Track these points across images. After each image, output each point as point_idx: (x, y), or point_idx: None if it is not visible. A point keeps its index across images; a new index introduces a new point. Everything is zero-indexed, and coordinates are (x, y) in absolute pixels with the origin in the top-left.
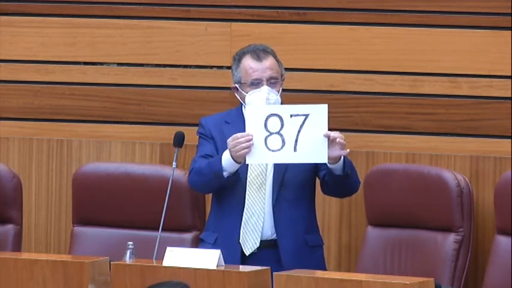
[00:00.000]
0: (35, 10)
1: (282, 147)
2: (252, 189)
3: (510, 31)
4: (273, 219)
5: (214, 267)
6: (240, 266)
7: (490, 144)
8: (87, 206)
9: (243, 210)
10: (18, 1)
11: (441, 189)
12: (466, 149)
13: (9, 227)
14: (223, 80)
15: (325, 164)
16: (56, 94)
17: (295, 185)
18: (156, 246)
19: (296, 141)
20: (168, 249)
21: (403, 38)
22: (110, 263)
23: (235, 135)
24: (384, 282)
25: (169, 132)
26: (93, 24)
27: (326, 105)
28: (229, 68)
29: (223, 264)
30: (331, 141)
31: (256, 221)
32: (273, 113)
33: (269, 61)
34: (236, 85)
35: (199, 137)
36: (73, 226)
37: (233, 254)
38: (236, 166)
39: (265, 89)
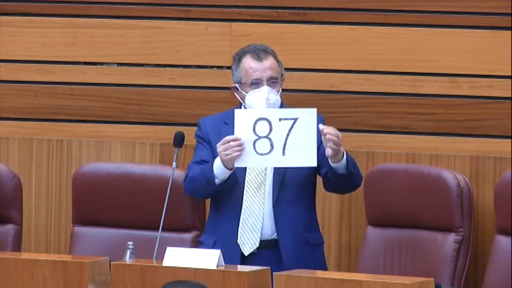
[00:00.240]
0: (35, 10)
1: (270, 151)
2: (251, 189)
3: (510, 31)
4: (273, 218)
5: (214, 267)
6: (240, 266)
7: (490, 144)
8: (87, 206)
9: (241, 210)
10: (18, 1)
11: (441, 189)
12: (466, 149)
13: (9, 227)
14: (223, 80)
15: (327, 161)
16: (56, 94)
17: (296, 185)
18: (156, 246)
19: (285, 145)
20: (168, 249)
21: (403, 38)
22: (110, 263)
23: (225, 138)
24: (383, 282)
25: (169, 132)
26: (93, 24)
27: (315, 110)
28: (229, 68)
29: (223, 264)
30: (324, 137)
31: (255, 221)
32: (261, 117)
33: (269, 61)
34: (236, 85)
35: (197, 140)
36: (73, 226)
37: (232, 255)
38: (227, 173)
39: (265, 89)
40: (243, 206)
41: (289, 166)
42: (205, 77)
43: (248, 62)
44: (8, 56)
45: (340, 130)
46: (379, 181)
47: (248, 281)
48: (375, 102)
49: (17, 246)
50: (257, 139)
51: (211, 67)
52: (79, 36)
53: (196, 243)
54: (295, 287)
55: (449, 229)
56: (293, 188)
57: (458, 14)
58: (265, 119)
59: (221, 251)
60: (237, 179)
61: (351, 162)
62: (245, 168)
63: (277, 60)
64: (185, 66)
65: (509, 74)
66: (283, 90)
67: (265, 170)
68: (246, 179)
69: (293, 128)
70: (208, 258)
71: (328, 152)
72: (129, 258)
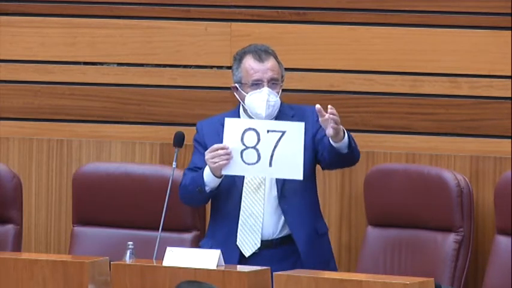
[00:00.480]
0: (35, 10)
1: (257, 162)
2: (249, 190)
3: (510, 31)
4: (275, 218)
5: (214, 267)
6: (240, 266)
7: (490, 144)
8: (87, 206)
9: (240, 212)
10: (18, 1)
11: (441, 189)
12: (466, 149)
13: (9, 227)
14: (223, 80)
15: (325, 144)
16: (56, 94)
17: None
18: (156, 246)
19: (272, 156)
20: (168, 249)
21: (403, 38)
22: (110, 263)
23: (213, 147)
24: (383, 282)
25: (169, 132)
26: (93, 24)
27: (303, 124)
28: (229, 68)
29: (223, 264)
30: (322, 118)
31: (255, 222)
32: (250, 127)
33: (270, 62)
34: (236, 85)
35: (194, 144)
36: (73, 226)
37: (232, 256)
38: (217, 181)
39: (265, 90)
40: (242, 206)
41: (275, 177)
42: (205, 77)
43: (249, 62)
44: (8, 56)
45: None
46: (379, 181)
47: (248, 281)
48: (375, 102)
49: (17, 246)
50: (244, 149)
51: (211, 67)
52: (79, 36)
53: (196, 243)
54: (295, 287)
55: (449, 229)
56: (296, 180)
57: (458, 14)
58: (253, 129)
59: (221, 251)
60: (235, 180)
61: (351, 138)
62: None
63: (278, 61)
64: (185, 66)
65: (509, 74)
66: (283, 90)
67: None
68: (245, 180)
69: (281, 141)
70: (208, 258)
71: (330, 132)
72: (129, 258)
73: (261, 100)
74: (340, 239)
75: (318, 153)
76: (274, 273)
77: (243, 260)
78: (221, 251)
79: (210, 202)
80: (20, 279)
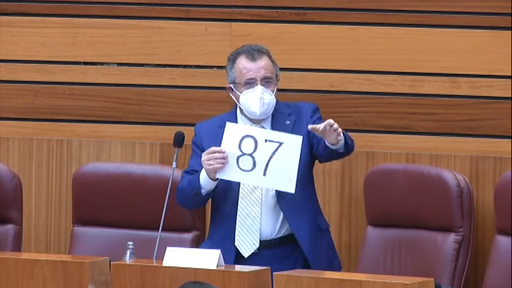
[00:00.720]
0: (35, 10)
1: (252, 169)
2: (246, 190)
3: (510, 31)
4: (273, 218)
5: (214, 267)
6: (240, 266)
7: (490, 144)
8: (87, 206)
9: (237, 212)
10: (18, 1)
11: (441, 189)
12: (466, 149)
13: (9, 227)
14: (223, 80)
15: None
16: (56, 94)
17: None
18: (156, 246)
19: (266, 166)
20: (168, 249)
21: (403, 38)
22: (110, 263)
23: (211, 149)
24: (383, 282)
25: (169, 132)
26: (93, 24)
27: (301, 137)
28: None
29: (223, 264)
30: (321, 132)
31: (252, 222)
32: (249, 134)
33: (263, 61)
34: (231, 85)
35: (192, 147)
36: (73, 226)
37: (230, 257)
38: (212, 184)
39: (259, 88)
40: (239, 207)
41: (268, 187)
42: (205, 77)
43: (242, 62)
44: (8, 56)
45: None
46: (379, 181)
47: (248, 281)
48: (375, 102)
49: (17, 246)
50: (241, 155)
51: (211, 67)
52: (79, 36)
53: (197, 243)
54: (295, 287)
55: (449, 229)
56: None
57: (458, 14)
58: (252, 137)
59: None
60: (231, 181)
61: (347, 137)
62: None
63: (272, 61)
64: (185, 66)
65: (509, 74)
66: (283, 90)
67: None
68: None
69: (277, 151)
70: (208, 258)
71: (333, 141)
72: (129, 258)
73: (254, 98)
74: (340, 239)
75: (313, 148)
76: (274, 273)
77: (242, 260)
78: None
79: (210, 204)
80: (20, 279)
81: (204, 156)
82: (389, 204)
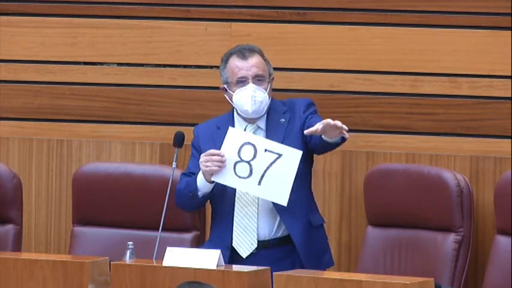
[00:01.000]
0: (35, 10)
1: (248, 177)
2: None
3: (510, 31)
4: (269, 217)
5: (214, 267)
6: (240, 266)
7: (490, 144)
8: (87, 206)
9: (234, 213)
10: (18, 1)
11: (441, 189)
12: (466, 149)
13: (9, 227)
14: None
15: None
16: (56, 94)
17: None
18: (156, 246)
19: (262, 175)
20: (168, 249)
21: (403, 38)
22: (110, 263)
23: (210, 151)
24: (383, 282)
25: (169, 132)
26: (93, 24)
27: (301, 152)
28: None
29: (223, 264)
30: (320, 130)
31: (249, 222)
32: (250, 141)
33: (254, 59)
34: (224, 86)
35: (191, 148)
36: (73, 226)
37: (229, 258)
38: (208, 186)
39: (250, 86)
40: (236, 208)
41: (261, 197)
42: (205, 77)
43: (234, 61)
44: (8, 56)
45: None
46: (379, 181)
47: (248, 281)
48: (375, 102)
49: (17, 246)
50: (239, 161)
51: (211, 67)
52: (79, 36)
53: (197, 243)
54: (295, 287)
55: (449, 229)
56: None
57: (458, 14)
58: (252, 144)
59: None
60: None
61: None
62: None
63: (265, 59)
64: (185, 66)
65: (509, 74)
66: (283, 90)
67: None
68: None
69: (275, 163)
70: (208, 258)
71: (337, 135)
72: (129, 258)
73: (246, 96)
74: (340, 239)
75: (308, 144)
76: (274, 273)
77: (240, 261)
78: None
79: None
80: (20, 279)
81: (202, 157)
82: (389, 204)
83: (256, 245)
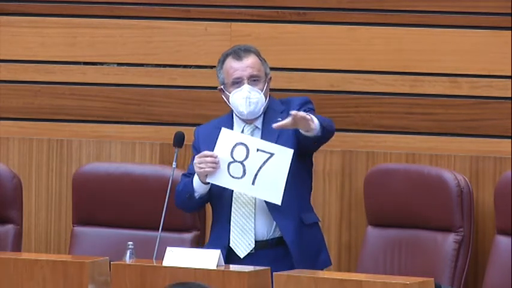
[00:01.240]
0: (35, 10)
1: (241, 177)
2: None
3: (510, 31)
4: (267, 217)
5: (214, 267)
6: (240, 266)
7: (490, 144)
8: (87, 206)
9: (231, 214)
10: (18, 1)
11: (441, 189)
12: (466, 149)
13: (9, 227)
14: None
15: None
16: (56, 94)
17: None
18: (156, 246)
19: (256, 175)
20: (168, 249)
21: (403, 38)
22: (110, 263)
23: (203, 153)
24: (383, 282)
25: (169, 132)
26: (93, 24)
27: (292, 150)
28: None
29: (223, 264)
30: (296, 123)
31: (246, 223)
32: (242, 142)
33: (250, 59)
34: (221, 87)
35: (192, 149)
36: (73, 226)
37: (227, 258)
38: (204, 187)
39: (245, 87)
40: (233, 208)
41: (255, 197)
42: (205, 77)
43: (230, 62)
44: (8, 56)
45: (340, 130)
46: (379, 181)
47: (248, 281)
48: (374, 102)
49: (17, 246)
50: (232, 162)
51: (211, 67)
52: (79, 36)
53: (196, 243)
54: (295, 287)
55: (449, 229)
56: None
57: (458, 14)
58: (244, 145)
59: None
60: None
61: (321, 120)
62: None
63: (261, 59)
64: (185, 66)
65: (509, 74)
66: (283, 90)
67: None
68: None
69: (267, 162)
70: (208, 258)
71: (308, 128)
72: (129, 258)
73: (241, 97)
74: (340, 239)
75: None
76: (274, 273)
77: (237, 261)
78: None
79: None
80: (20, 279)
81: (196, 159)
82: (389, 204)
83: (253, 245)
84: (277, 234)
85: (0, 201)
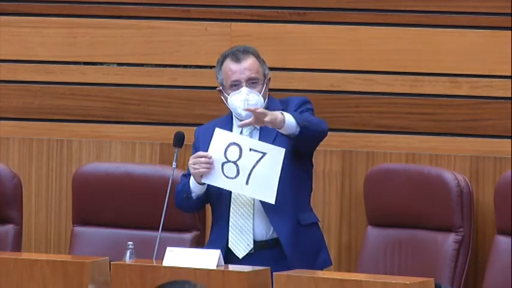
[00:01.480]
0: (34, 10)
1: (235, 177)
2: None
3: (510, 31)
4: (266, 218)
5: (214, 267)
6: (240, 266)
7: (490, 144)
8: (87, 206)
9: (229, 214)
10: (18, 1)
11: (441, 189)
12: (466, 149)
13: (9, 227)
14: None
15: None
16: (56, 94)
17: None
18: (156, 246)
19: (249, 175)
20: (168, 249)
21: (403, 38)
22: (110, 263)
23: (197, 153)
24: (384, 282)
25: (169, 132)
26: (93, 24)
27: (283, 150)
28: None
29: (223, 264)
30: (256, 119)
31: (245, 223)
32: (235, 142)
33: (248, 62)
34: (220, 88)
35: (192, 150)
36: (73, 226)
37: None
38: (200, 187)
39: (244, 90)
40: (231, 208)
41: (250, 196)
42: (205, 77)
43: (228, 64)
44: (7, 56)
45: (340, 130)
46: (379, 181)
47: (248, 281)
48: (374, 102)
49: (17, 246)
50: (226, 162)
51: (211, 67)
52: (79, 36)
53: (196, 243)
54: (295, 287)
55: (449, 229)
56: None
57: (458, 14)
58: (237, 145)
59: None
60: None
61: (299, 119)
62: None
63: (259, 60)
64: (185, 66)
65: (509, 74)
66: (283, 90)
67: None
68: None
69: (260, 162)
70: (208, 258)
71: (273, 126)
72: (129, 258)
73: (239, 100)
74: (340, 239)
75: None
76: (274, 273)
77: (236, 261)
78: None
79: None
80: (20, 279)
81: (191, 160)
82: (389, 204)
83: (252, 246)
84: (276, 234)
85: (0, 201)
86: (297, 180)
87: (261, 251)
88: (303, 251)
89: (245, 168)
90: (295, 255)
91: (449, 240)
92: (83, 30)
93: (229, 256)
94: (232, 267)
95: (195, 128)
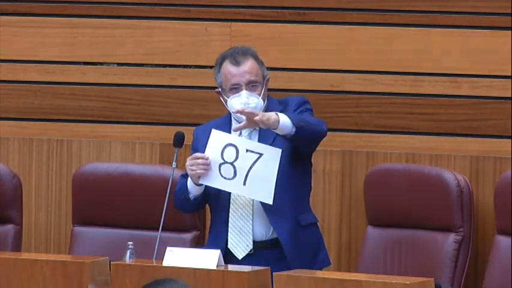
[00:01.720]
0: (34, 10)
1: (233, 178)
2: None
3: (510, 31)
4: (265, 218)
5: (214, 267)
6: (240, 266)
7: (490, 144)
8: (87, 206)
9: (229, 215)
10: (18, 1)
11: (441, 189)
12: (466, 149)
13: (9, 227)
14: None
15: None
16: (56, 94)
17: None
18: (156, 246)
19: (246, 176)
20: (168, 249)
21: (403, 38)
22: (110, 263)
23: (194, 155)
24: (384, 282)
25: (169, 132)
26: (93, 24)
27: (280, 150)
28: None
29: (223, 264)
30: (249, 121)
31: (244, 224)
32: (232, 143)
33: (248, 65)
34: (219, 89)
35: (191, 150)
36: (73, 226)
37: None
38: (197, 188)
39: (244, 93)
40: (231, 209)
41: (247, 197)
42: (205, 77)
43: (227, 67)
44: (8, 56)
45: (340, 130)
46: (379, 181)
47: (248, 281)
48: (374, 102)
49: (17, 246)
50: (223, 163)
51: (211, 67)
52: (79, 36)
53: (196, 243)
54: (295, 287)
55: (449, 229)
56: (285, 178)
57: (458, 14)
58: (234, 146)
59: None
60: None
61: (295, 119)
62: None
63: (258, 62)
64: (185, 66)
65: (509, 74)
66: (283, 90)
67: None
68: None
69: (257, 162)
70: (208, 258)
71: (269, 127)
72: (129, 258)
73: (239, 103)
74: (340, 239)
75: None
76: (274, 273)
77: (236, 262)
78: None
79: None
80: (20, 279)
81: (188, 161)
82: (389, 204)
83: (251, 246)
84: (276, 235)
85: (0, 201)
86: (296, 180)
87: (261, 252)
88: (303, 251)
89: (242, 169)
90: (294, 256)
91: (449, 240)
92: (83, 30)
93: (228, 257)
94: (232, 267)
95: (195, 128)
